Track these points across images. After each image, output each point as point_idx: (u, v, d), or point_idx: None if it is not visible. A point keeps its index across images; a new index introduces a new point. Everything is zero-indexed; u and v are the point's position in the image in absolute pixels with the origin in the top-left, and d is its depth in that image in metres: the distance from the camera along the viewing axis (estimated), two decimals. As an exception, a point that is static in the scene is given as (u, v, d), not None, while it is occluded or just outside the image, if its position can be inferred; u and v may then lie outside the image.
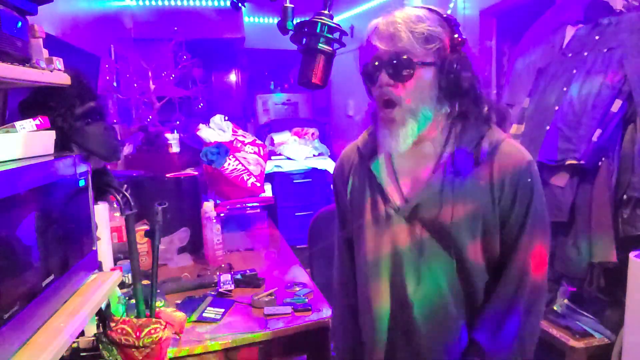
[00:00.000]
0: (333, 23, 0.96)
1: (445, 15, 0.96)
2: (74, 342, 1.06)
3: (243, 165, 2.56)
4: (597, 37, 1.92)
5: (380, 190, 1.06)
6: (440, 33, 0.94)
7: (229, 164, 2.50)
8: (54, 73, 1.05)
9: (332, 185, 1.25)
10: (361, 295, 1.14)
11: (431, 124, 0.99)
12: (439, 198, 0.99)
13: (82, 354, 1.10)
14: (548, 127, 1.99)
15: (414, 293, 1.02)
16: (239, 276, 1.86)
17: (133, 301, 1.28)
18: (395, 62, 0.93)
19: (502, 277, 1.00)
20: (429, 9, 0.96)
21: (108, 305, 1.20)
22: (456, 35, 0.95)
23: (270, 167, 4.15)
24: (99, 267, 1.15)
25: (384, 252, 1.05)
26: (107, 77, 2.77)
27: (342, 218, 1.22)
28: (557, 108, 1.98)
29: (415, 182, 1.03)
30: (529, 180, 0.98)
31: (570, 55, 2.02)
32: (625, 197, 1.75)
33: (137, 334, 1.13)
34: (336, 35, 0.98)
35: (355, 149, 1.16)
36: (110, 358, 1.11)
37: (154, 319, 1.19)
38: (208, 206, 2.19)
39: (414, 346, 1.04)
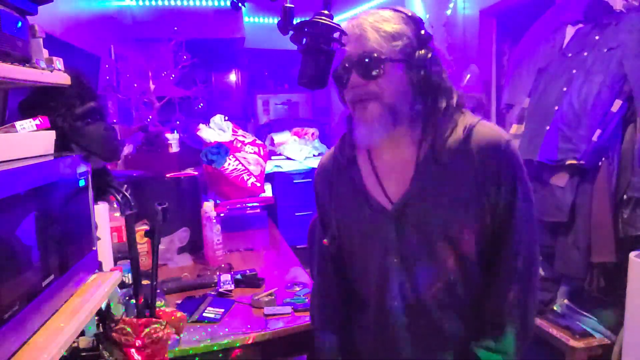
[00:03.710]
0: (333, 23, 0.96)
1: (410, 14, 0.98)
2: (74, 342, 1.06)
3: (243, 165, 2.56)
4: (597, 37, 1.92)
5: (365, 195, 1.06)
6: (405, 30, 0.96)
7: (229, 164, 2.50)
8: (54, 73, 1.05)
9: (315, 197, 1.22)
10: (363, 298, 1.13)
11: (405, 121, 1.00)
12: (426, 194, 0.99)
13: (82, 354, 1.10)
14: (548, 127, 2.00)
15: (411, 292, 1.02)
16: (239, 276, 1.86)
17: (133, 301, 1.28)
18: (364, 61, 0.95)
19: (498, 260, 1.01)
20: (393, 9, 0.99)
21: (108, 305, 1.20)
22: (422, 32, 0.97)
23: (270, 167, 4.15)
24: (99, 267, 1.15)
25: (377, 255, 1.04)
26: (107, 77, 2.78)
27: (325, 229, 1.17)
28: (557, 108, 1.98)
29: (399, 182, 1.03)
30: (511, 158, 0.98)
31: (570, 55, 2.03)
32: (625, 197, 1.75)
33: (137, 334, 1.13)
34: (336, 35, 0.98)
35: (332, 158, 1.16)
36: (110, 358, 1.11)
37: (154, 319, 1.19)
38: (208, 206, 2.19)
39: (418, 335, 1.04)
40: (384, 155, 1.05)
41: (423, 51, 0.96)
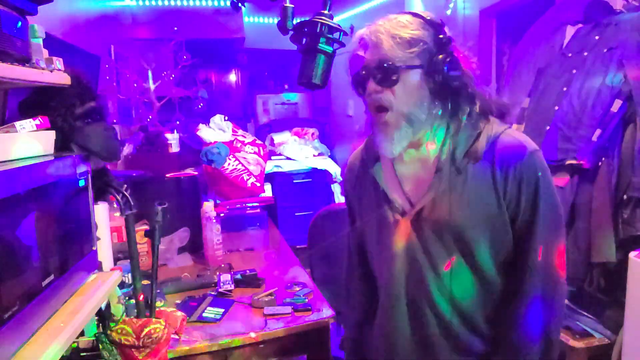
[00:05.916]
0: (333, 23, 0.96)
1: (429, 18, 0.97)
2: (74, 342, 1.06)
3: (243, 165, 2.56)
4: (597, 37, 1.92)
5: (384, 196, 1.07)
6: (423, 36, 0.95)
7: (229, 164, 2.50)
8: (54, 73, 1.05)
9: (344, 196, 1.28)
10: (380, 310, 1.14)
11: (426, 126, 0.99)
12: (443, 200, 0.98)
13: (82, 354, 1.10)
14: (548, 127, 1.99)
15: (427, 300, 1.02)
16: (239, 276, 1.86)
17: (133, 301, 1.28)
18: (380, 69, 0.95)
19: (520, 274, 0.99)
20: (413, 14, 0.98)
21: (108, 305, 1.20)
22: (441, 36, 0.96)
23: (270, 167, 4.15)
24: (99, 267, 1.15)
25: (394, 258, 1.05)
26: (107, 77, 2.78)
27: (354, 225, 1.23)
28: (557, 108, 1.98)
29: (418, 186, 1.04)
30: (533, 170, 0.96)
31: (570, 55, 2.02)
32: (625, 197, 1.74)
33: (137, 334, 1.12)
34: (336, 35, 0.98)
35: (359, 156, 1.19)
36: (110, 358, 1.11)
37: (154, 319, 1.19)
38: (208, 206, 2.18)
39: (430, 345, 1.04)
40: (405, 157, 1.05)
41: (441, 56, 0.94)
